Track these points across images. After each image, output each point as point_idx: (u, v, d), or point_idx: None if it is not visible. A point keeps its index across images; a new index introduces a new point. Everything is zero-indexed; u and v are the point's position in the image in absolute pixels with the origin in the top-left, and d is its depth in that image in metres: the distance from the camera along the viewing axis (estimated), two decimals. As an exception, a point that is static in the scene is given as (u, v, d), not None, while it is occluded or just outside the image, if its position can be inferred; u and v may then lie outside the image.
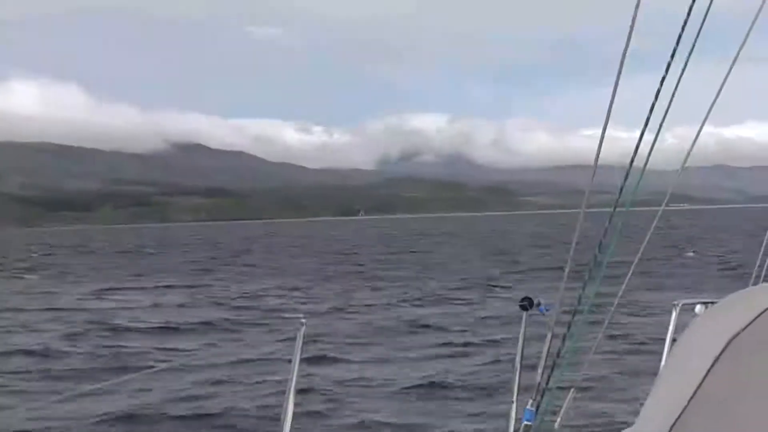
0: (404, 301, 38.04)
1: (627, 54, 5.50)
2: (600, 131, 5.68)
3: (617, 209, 5.87)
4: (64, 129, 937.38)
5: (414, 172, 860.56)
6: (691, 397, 3.23)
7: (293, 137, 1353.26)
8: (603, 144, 5.69)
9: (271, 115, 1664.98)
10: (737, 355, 3.13)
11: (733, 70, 6.13)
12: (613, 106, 5.53)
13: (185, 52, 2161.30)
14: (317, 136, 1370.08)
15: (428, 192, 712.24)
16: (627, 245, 6.26)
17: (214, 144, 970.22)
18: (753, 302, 3.19)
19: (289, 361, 6.22)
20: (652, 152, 5.85)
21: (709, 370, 3.19)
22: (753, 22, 5.89)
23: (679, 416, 3.33)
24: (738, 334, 3.14)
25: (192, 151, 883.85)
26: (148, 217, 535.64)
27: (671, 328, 7.03)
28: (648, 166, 5.87)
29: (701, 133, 6.34)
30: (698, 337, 3.60)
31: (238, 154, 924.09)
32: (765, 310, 3.09)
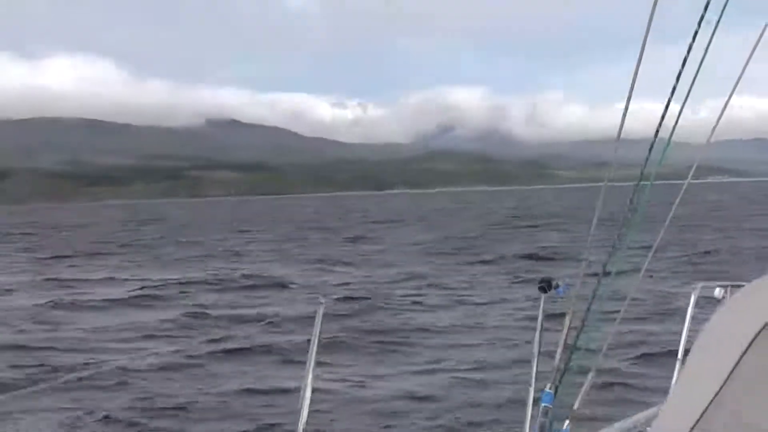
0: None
1: (651, 26, 5.35)
2: (634, 104, 5.55)
3: (641, 183, 5.75)
4: (98, 104, 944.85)
5: (449, 146, 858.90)
6: (724, 382, 3.14)
7: (328, 112, 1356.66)
8: (635, 117, 5.58)
9: (305, 88, 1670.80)
10: None
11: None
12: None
13: (218, 25, 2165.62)
14: (352, 110, 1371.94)
15: (462, 166, 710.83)
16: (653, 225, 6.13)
17: (248, 119, 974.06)
18: None
19: (308, 340, 6.21)
20: (682, 125, 5.71)
21: (742, 355, 3.08)
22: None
23: (711, 400, 3.23)
24: None
25: (226, 126, 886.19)
26: (181, 191, 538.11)
27: (690, 310, 6.98)
28: (681, 139, 5.73)
29: (737, 105, 6.19)
30: (729, 322, 3.48)
31: (273, 129, 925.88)
32: None
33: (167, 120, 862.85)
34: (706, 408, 3.23)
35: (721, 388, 3.19)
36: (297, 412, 6.03)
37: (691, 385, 3.52)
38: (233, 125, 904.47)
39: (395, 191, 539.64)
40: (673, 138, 5.68)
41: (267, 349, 22.00)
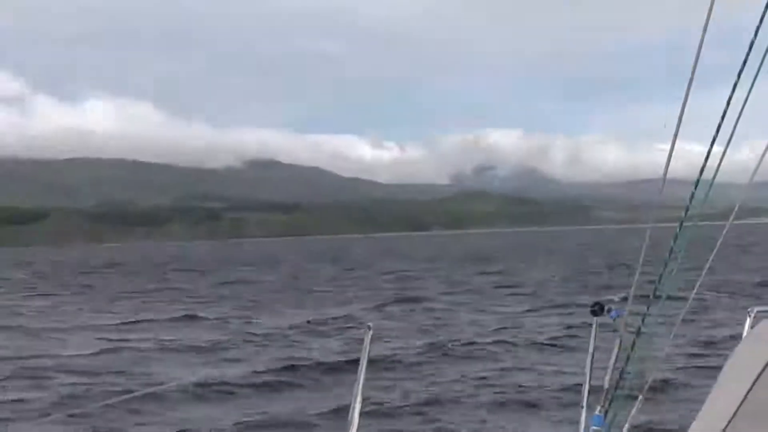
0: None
1: (697, 66, 5.47)
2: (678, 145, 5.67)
3: (685, 223, 5.85)
4: (139, 146, 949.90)
5: (487, 186, 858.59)
6: (740, 405, 3.22)
7: (366, 152, 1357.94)
8: (675, 157, 5.68)
9: (343, 129, 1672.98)
10: None
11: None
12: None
13: (256, 67, 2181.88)
14: (389, 151, 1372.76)
15: (500, 206, 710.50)
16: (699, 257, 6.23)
17: (287, 159, 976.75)
18: None
19: (357, 363, 6.33)
20: (722, 165, 5.80)
21: (756, 379, 3.17)
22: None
23: (728, 423, 3.31)
24: None
25: (266, 167, 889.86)
26: (220, 232, 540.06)
27: (745, 335, 6.96)
28: (723, 179, 5.83)
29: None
30: (752, 347, 3.58)
31: (311, 170, 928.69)
32: None
33: (208, 161, 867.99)
34: (725, 429, 3.31)
35: (737, 410, 3.27)
36: None
37: (713, 409, 3.62)
38: (272, 166, 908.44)
39: (432, 232, 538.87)
40: (715, 179, 5.78)
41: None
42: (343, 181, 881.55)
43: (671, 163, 5.74)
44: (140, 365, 25.84)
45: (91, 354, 27.88)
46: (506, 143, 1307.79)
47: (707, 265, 5.96)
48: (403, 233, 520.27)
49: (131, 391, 20.42)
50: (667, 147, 5.78)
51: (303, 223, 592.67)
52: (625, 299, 6.21)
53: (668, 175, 5.86)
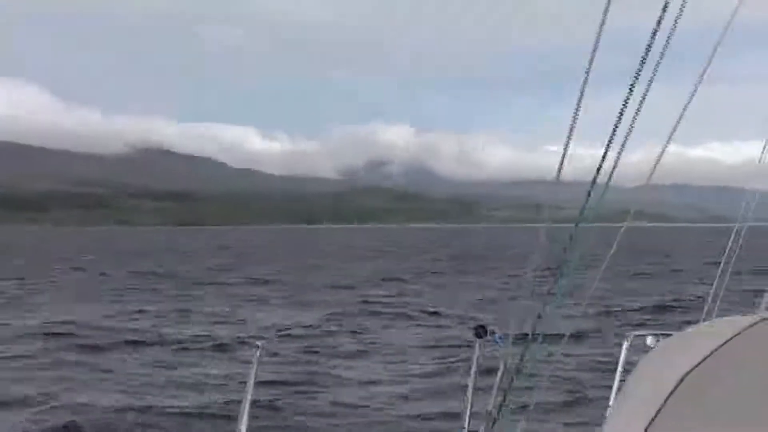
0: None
1: (591, 70, 5.47)
2: (572, 148, 5.66)
3: (578, 225, 5.84)
4: (25, 129, 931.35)
5: (378, 182, 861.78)
6: (647, 427, 3.18)
7: (257, 143, 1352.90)
8: (567, 160, 5.66)
9: (234, 120, 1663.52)
10: (690, 393, 3.09)
11: (704, 90, 6.12)
12: (583, 122, 5.50)
13: (149, 55, 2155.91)
14: (281, 143, 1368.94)
15: (391, 202, 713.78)
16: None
17: (177, 149, 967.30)
18: (706, 339, 3.15)
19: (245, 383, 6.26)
20: (617, 169, 5.80)
21: (661, 407, 3.14)
22: (717, 44, 5.87)
23: None
24: (690, 371, 3.09)
25: (155, 155, 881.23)
26: (106, 219, 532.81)
27: (622, 359, 7.09)
28: (614, 183, 5.84)
29: (667, 152, 6.32)
30: (651, 372, 3.55)
31: (201, 159, 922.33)
32: (718, 348, 3.04)
33: (97, 147, 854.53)
34: None
35: None
36: None
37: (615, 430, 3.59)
38: (163, 154, 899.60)
39: (324, 226, 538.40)
40: (603, 182, 5.78)
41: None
42: (234, 172, 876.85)
43: (564, 165, 5.74)
44: None
45: None
46: (398, 140, 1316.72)
47: (599, 275, 5.96)
48: (294, 226, 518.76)
49: None
50: (556, 148, 5.79)
51: (193, 212, 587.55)
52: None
53: (563, 178, 5.86)
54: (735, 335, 2.98)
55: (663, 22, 5.27)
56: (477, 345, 6.44)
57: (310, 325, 32.32)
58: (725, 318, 3.40)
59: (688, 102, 5.79)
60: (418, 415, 18.55)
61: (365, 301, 41.39)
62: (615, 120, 5.39)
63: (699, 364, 3.06)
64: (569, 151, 5.72)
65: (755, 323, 2.89)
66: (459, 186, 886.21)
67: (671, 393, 3.10)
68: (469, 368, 6.51)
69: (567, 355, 21.48)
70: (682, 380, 3.11)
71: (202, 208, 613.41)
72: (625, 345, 7.14)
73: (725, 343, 3.03)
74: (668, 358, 3.48)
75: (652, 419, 3.13)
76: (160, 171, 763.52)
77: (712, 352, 3.04)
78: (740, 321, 2.94)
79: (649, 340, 6.57)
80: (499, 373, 5.92)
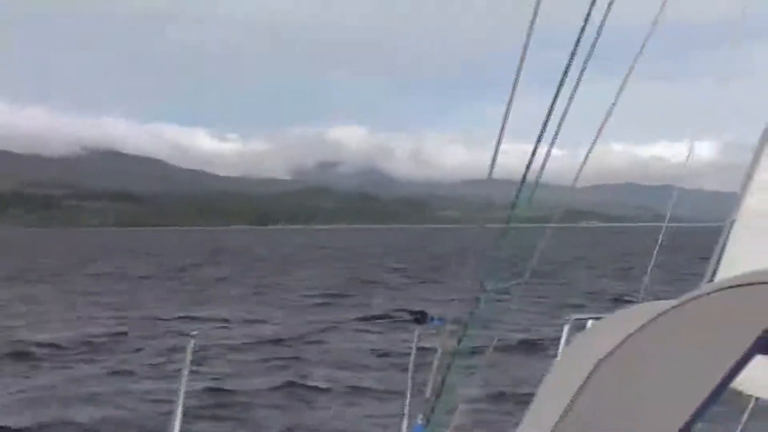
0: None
1: (522, 68, 5.50)
2: (516, 145, 5.70)
3: (510, 224, 5.87)
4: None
5: (331, 183, 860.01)
6: (559, 420, 3.20)
7: (208, 144, 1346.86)
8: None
9: (186, 121, 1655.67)
10: (603, 380, 3.11)
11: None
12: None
13: (100, 54, 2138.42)
14: (233, 143, 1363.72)
15: (343, 203, 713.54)
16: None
17: (128, 149, 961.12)
18: (624, 323, 3.17)
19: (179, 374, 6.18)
20: (549, 168, 5.83)
21: (575, 395, 3.16)
22: (645, 41, 5.92)
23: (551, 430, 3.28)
24: (605, 357, 3.11)
25: (106, 156, 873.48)
26: (58, 220, 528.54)
27: (562, 343, 7.07)
28: (559, 182, 5.88)
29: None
30: (570, 359, 3.57)
31: (152, 161, 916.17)
32: (633, 333, 3.06)
33: (47, 148, 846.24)
34: None
35: (555, 426, 3.24)
36: None
37: (533, 421, 3.60)
38: (112, 155, 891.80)
39: (274, 227, 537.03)
40: (546, 181, 5.82)
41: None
42: (185, 173, 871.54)
43: (514, 163, 5.78)
44: None
45: None
46: (351, 141, 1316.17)
47: (529, 269, 6.01)
48: (245, 227, 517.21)
49: None
50: (508, 147, 5.82)
51: (144, 214, 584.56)
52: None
53: (509, 176, 5.89)
54: (651, 320, 3.00)
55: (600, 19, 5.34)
56: (416, 331, 6.46)
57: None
58: (646, 303, 3.41)
59: (616, 100, 5.83)
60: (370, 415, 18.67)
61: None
62: (543, 118, 5.42)
63: (614, 349, 3.09)
64: (514, 148, 5.77)
65: (673, 307, 2.92)
66: (411, 186, 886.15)
67: (587, 379, 3.12)
68: (410, 354, 6.52)
69: (507, 338, 21.77)
70: (597, 366, 3.13)
71: (151, 209, 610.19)
72: (566, 329, 7.13)
73: (641, 327, 3.05)
74: (588, 343, 3.50)
75: (568, 405, 3.15)
76: (110, 172, 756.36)
77: (626, 338, 3.06)
78: (658, 306, 2.96)
79: (589, 324, 6.60)
80: (437, 358, 5.94)
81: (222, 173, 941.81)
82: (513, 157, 6.26)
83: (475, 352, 6.13)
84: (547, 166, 5.67)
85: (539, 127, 5.62)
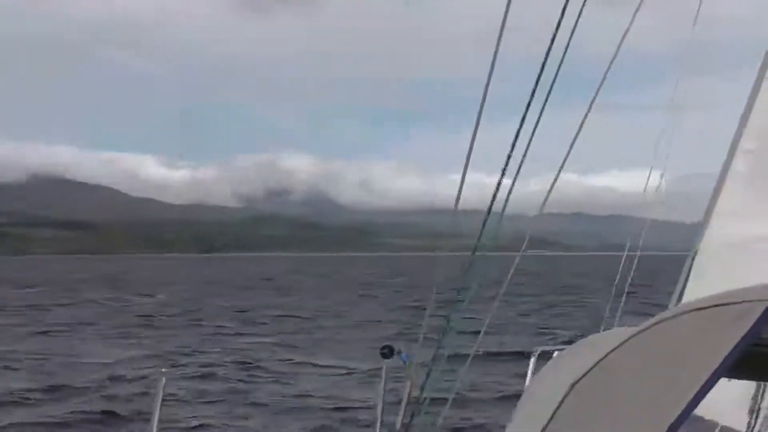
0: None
1: (486, 99, 5.57)
2: (470, 175, 5.73)
3: (476, 253, 5.91)
4: None
5: (279, 210, 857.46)
6: None
7: (157, 171, 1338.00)
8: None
9: (135, 148, 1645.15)
10: (577, 403, 3.17)
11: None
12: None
13: (49, 81, 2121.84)
14: (182, 171, 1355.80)
15: (290, 231, 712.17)
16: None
17: (76, 177, 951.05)
18: (594, 349, 3.24)
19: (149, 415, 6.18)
20: (513, 198, 5.88)
21: (551, 418, 3.22)
22: (606, 72, 6.02)
23: None
24: (578, 380, 3.18)
25: (53, 183, 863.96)
26: (4, 248, 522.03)
27: (530, 374, 7.09)
28: (512, 211, 5.92)
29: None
30: (544, 384, 3.64)
31: (101, 188, 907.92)
32: (604, 357, 3.13)
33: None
34: None
35: None
36: None
37: None
38: (60, 183, 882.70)
39: (225, 254, 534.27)
40: (505, 211, 5.86)
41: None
42: (134, 201, 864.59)
43: (466, 193, 5.81)
44: None
45: None
46: (300, 168, 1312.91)
47: (497, 299, 6.05)
48: (193, 255, 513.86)
49: None
50: (459, 177, 5.86)
51: (91, 242, 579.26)
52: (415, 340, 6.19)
53: (464, 206, 5.93)
54: (620, 344, 3.09)
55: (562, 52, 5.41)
56: (384, 366, 6.45)
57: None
58: (615, 328, 3.48)
59: (578, 131, 5.92)
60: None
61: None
62: (508, 150, 5.49)
63: (585, 374, 3.15)
64: (474, 180, 5.82)
65: (640, 331, 3.01)
66: (359, 214, 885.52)
67: (560, 404, 3.18)
68: (379, 389, 6.52)
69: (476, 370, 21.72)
70: (570, 391, 3.19)
71: (100, 236, 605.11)
72: (533, 360, 7.16)
73: (612, 351, 3.13)
74: (559, 369, 3.57)
75: (544, 428, 3.21)
76: (59, 199, 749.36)
77: (598, 362, 3.13)
78: (627, 331, 3.05)
79: (556, 354, 6.65)
80: (406, 393, 5.94)
81: (172, 201, 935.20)
82: (468, 187, 6.29)
83: (444, 383, 6.15)
84: (500, 195, 5.73)
85: (491, 157, 5.71)
